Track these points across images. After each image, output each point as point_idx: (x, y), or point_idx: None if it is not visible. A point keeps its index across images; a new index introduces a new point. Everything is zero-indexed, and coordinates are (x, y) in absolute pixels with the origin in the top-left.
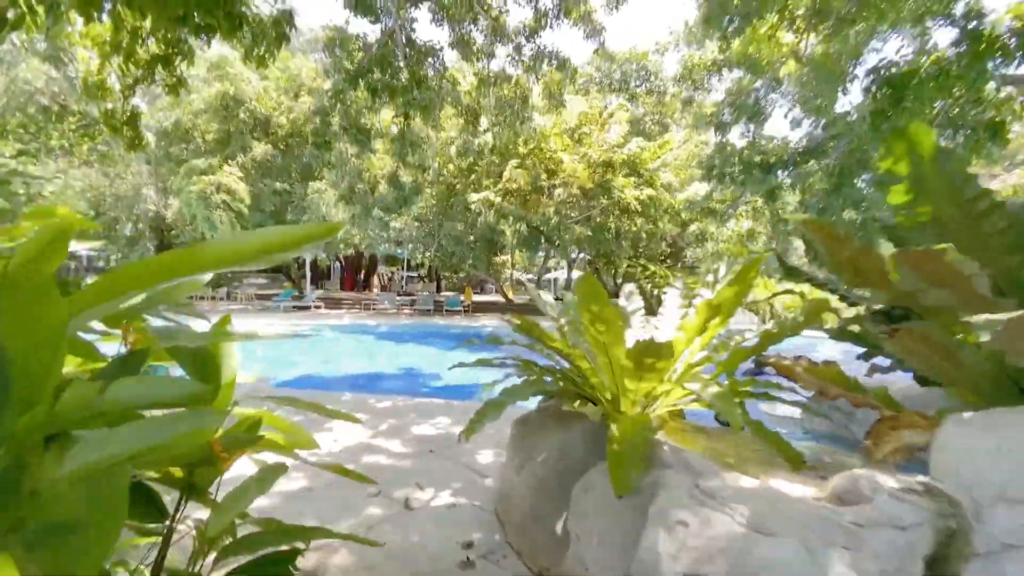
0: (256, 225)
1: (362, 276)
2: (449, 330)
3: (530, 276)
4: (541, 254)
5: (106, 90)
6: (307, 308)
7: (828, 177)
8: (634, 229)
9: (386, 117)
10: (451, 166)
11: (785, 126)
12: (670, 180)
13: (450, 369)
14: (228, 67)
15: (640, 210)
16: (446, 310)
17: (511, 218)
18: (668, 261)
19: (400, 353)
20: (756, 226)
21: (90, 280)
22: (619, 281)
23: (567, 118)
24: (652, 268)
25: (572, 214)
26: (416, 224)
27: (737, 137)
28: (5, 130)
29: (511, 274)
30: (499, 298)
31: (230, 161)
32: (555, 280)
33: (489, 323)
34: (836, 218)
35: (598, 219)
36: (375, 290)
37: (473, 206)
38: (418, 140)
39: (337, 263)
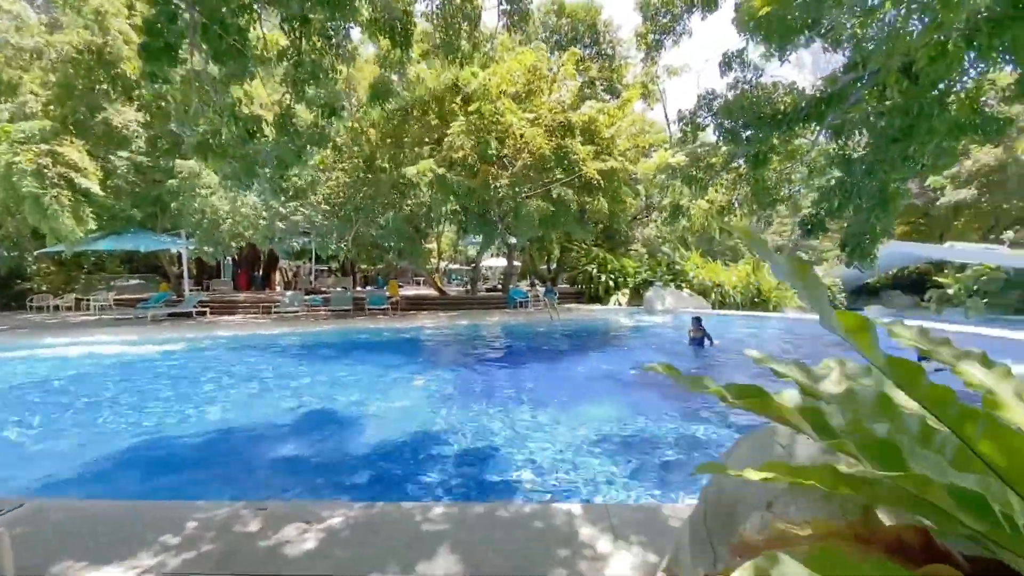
0: (113, 216)
1: (260, 272)
2: (380, 335)
3: (456, 266)
4: (476, 240)
5: None
6: (188, 315)
7: (876, 126)
8: (597, 207)
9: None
10: (371, 131)
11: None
12: (628, 150)
13: None
14: None
15: (603, 185)
16: (369, 309)
17: (454, 196)
18: (603, 244)
19: (324, 382)
20: (733, 197)
21: None
22: (552, 267)
23: (514, 73)
24: (597, 252)
25: (524, 189)
26: (326, 207)
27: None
28: None
29: (440, 264)
30: (429, 291)
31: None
32: (490, 269)
33: (427, 324)
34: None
35: (558, 195)
36: (277, 288)
37: (413, 178)
38: (319, 60)
39: (228, 258)
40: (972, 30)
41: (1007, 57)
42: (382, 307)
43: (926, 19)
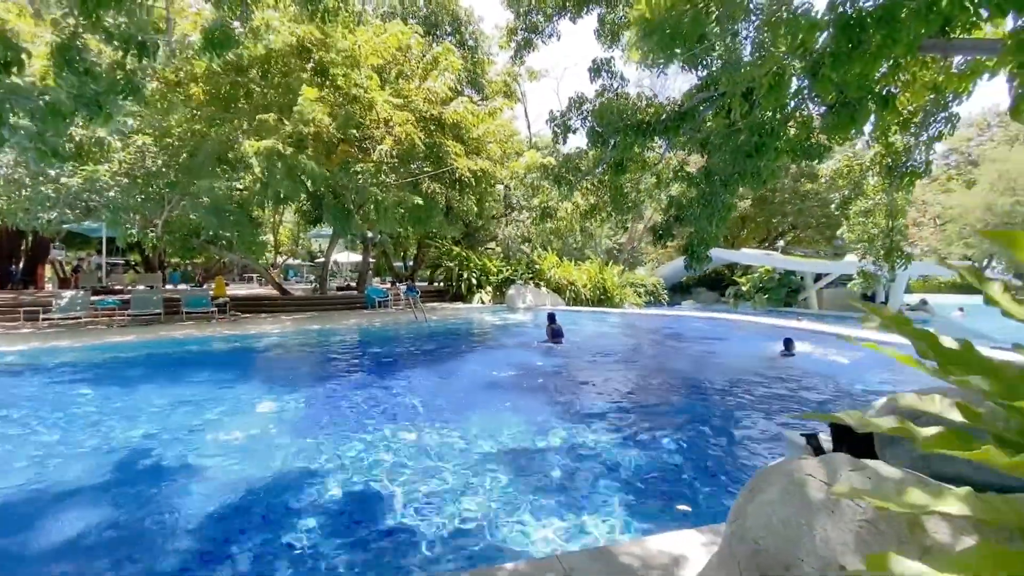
0: None
1: (18, 266)
2: (206, 347)
3: (295, 261)
4: (324, 232)
5: None
6: None
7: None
8: (466, 205)
9: None
10: (195, 87)
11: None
12: (494, 152)
13: None
14: None
15: (472, 184)
16: (186, 313)
17: (309, 179)
18: (462, 243)
19: (124, 417)
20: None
21: None
22: (409, 264)
23: (387, 47)
24: (459, 250)
25: (390, 178)
26: (123, 179)
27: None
28: None
29: (278, 259)
30: (266, 291)
31: None
32: (337, 265)
33: (269, 330)
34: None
35: (427, 189)
36: (48, 287)
37: (248, 158)
38: None
39: None
40: (815, 63)
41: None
42: (206, 309)
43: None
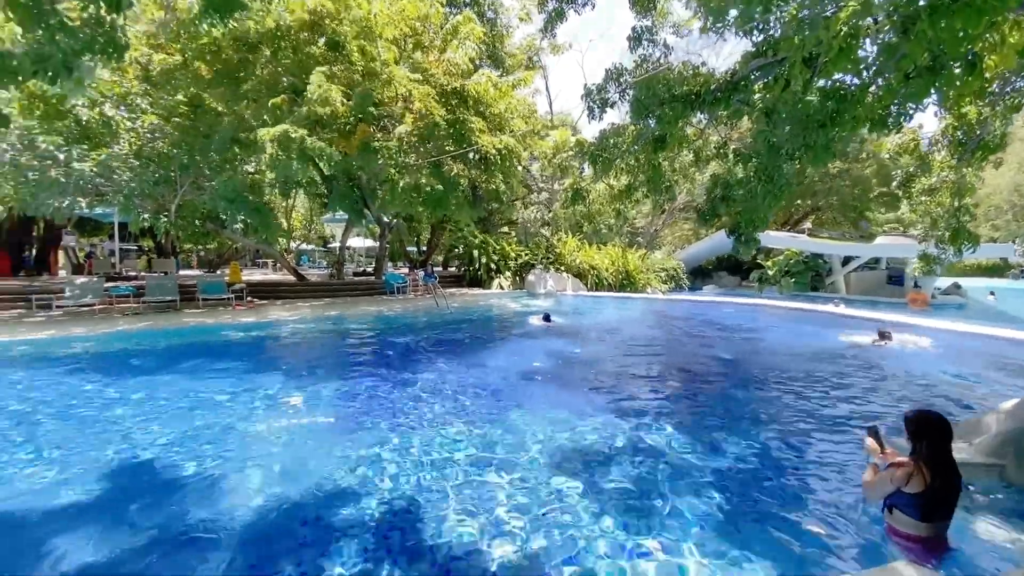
0: None
1: (31, 253)
2: (223, 336)
3: (308, 247)
4: (339, 217)
5: None
6: None
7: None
8: (492, 187)
9: None
10: (202, 64)
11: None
12: (518, 128)
13: None
14: None
15: (499, 162)
16: (203, 299)
17: (324, 163)
18: (478, 226)
19: (144, 412)
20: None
21: None
22: (422, 249)
23: (405, 17)
24: (477, 233)
25: (410, 159)
26: (135, 161)
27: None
28: None
29: (292, 244)
30: (283, 276)
31: None
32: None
33: (287, 318)
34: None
35: (451, 170)
36: (61, 274)
37: (262, 143)
38: None
39: None
40: (908, 18)
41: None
42: (222, 296)
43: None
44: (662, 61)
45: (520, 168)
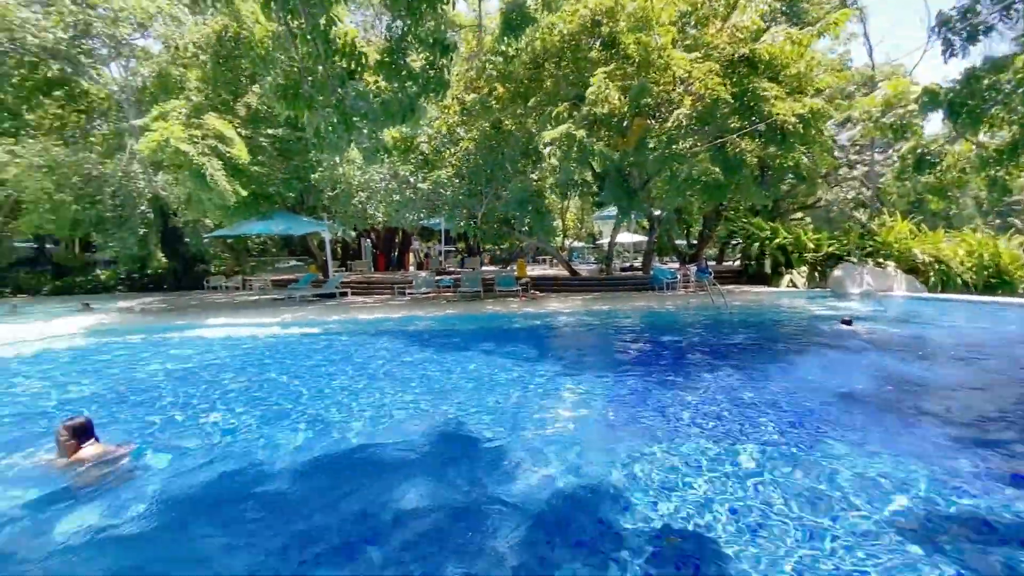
0: (266, 196)
1: (396, 254)
2: (511, 324)
3: (579, 243)
4: (609, 214)
5: None
6: (331, 296)
7: None
8: (790, 164)
9: None
10: (501, 88)
11: None
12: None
13: None
14: None
15: (799, 131)
16: (499, 291)
17: (596, 160)
18: (762, 212)
19: (470, 383)
20: (1015, 133)
21: None
22: (692, 242)
23: None
24: (759, 221)
25: (686, 145)
26: (456, 180)
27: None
28: None
29: (565, 241)
30: (557, 271)
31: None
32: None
33: (561, 309)
34: None
35: (733, 150)
36: (410, 269)
37: (548, 146)
38: None
39: (367, 239)
40: None
41: None
42: (512, 288)
43: None
44: None
45: (826, 137)
